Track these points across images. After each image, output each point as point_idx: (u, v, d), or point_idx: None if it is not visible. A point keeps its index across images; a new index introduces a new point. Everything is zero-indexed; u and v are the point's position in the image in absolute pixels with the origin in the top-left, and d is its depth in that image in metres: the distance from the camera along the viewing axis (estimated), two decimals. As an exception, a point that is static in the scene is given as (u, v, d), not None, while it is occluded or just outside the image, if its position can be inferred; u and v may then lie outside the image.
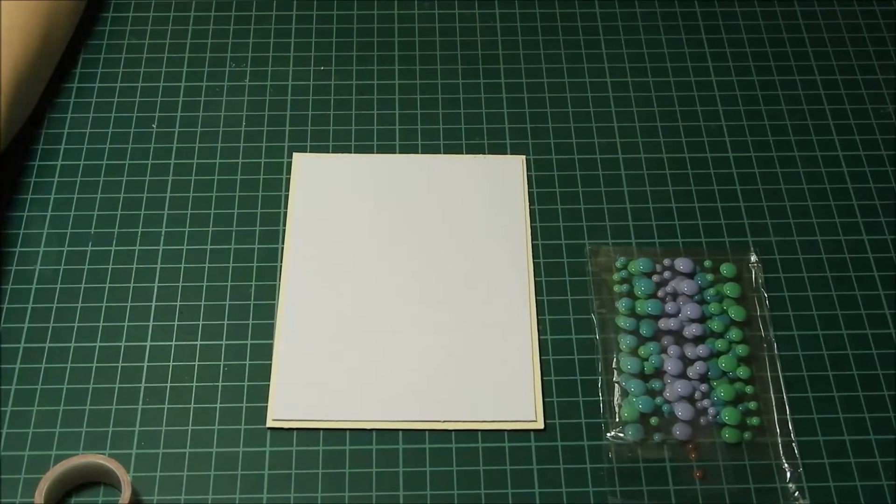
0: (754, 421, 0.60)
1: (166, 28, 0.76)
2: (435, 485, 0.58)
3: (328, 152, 0.69)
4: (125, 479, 0.55)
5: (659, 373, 0.62)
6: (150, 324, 0.62)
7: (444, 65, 0.75)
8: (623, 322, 0.63)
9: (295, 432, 0.59)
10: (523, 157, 0.70)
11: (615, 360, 0.62)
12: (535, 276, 0.65)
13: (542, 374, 0.61)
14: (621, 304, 0.64)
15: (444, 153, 0.70)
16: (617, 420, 0.60)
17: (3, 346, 0.61)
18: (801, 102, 0.74)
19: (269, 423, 0.59)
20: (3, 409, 0.59)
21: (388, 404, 0.60)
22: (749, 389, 0.61)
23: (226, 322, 0.63)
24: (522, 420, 0.60)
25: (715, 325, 0.63)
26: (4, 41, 0.65)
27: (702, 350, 0.62)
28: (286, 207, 0.67)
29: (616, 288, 0.65)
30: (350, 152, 0.70)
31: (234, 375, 0.61)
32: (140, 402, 0.60)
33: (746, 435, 0.60)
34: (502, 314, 0.63)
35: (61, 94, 0.72)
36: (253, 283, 0.64)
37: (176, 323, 0.62)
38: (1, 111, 0.64)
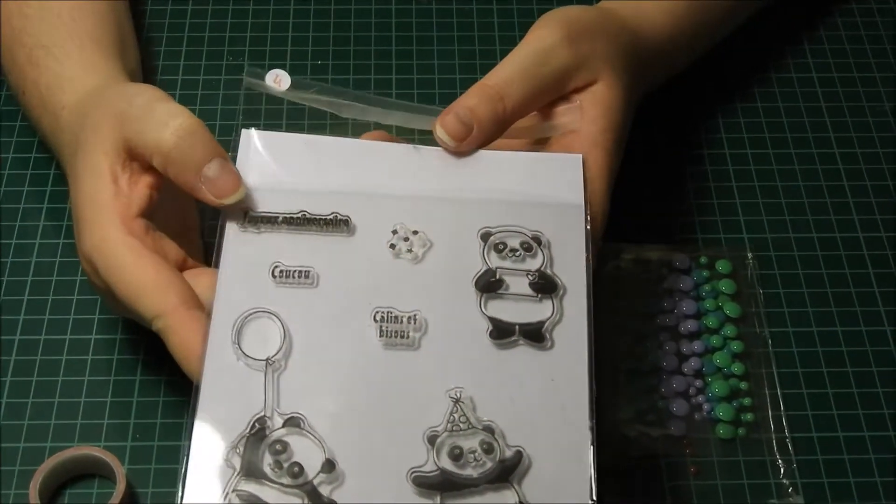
0: (748, 417, 0.60)
1: (163, 21, 0.76)
2: (429, 479, 0.57)
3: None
4: (120, 471, 0.55)
5: (654, 369, 0.62)
6: (146, 316, 0.62)
7: (441, 59, 0.75)
8: (619, 318, 0.63)
9: (290, 426, 0.59)
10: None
11: (611, 355, 0.62)
12: (530, 272, 0.65)
13: (538, 370, 0.61)
14: (617, 301, 0.64)
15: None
16: (612, 416, 0.60)
17: (-2, 337, 0.62)
18: (798, 99, 0.74)
19: (264, 417, 0.59)
20: (-2, 400, 0.60)
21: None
22: (743, 386, 0.61)
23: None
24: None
25: (710, 321, 0.63)
26: None
27: (697, 346, 0.62)
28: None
29: (613, 284, 0.65)
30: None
31: (230, 369, 0.61)
32: (135, 395, 0.60)
33: (740, 431, 0.60)
34: None
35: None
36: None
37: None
38: None
